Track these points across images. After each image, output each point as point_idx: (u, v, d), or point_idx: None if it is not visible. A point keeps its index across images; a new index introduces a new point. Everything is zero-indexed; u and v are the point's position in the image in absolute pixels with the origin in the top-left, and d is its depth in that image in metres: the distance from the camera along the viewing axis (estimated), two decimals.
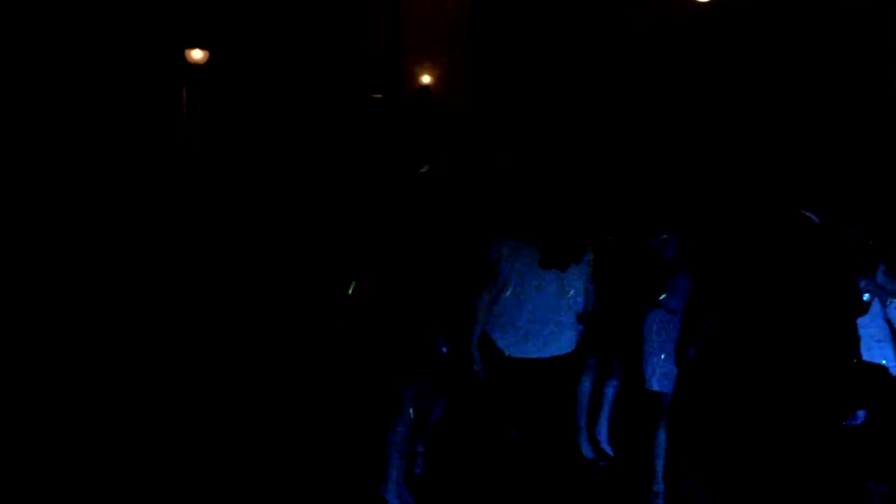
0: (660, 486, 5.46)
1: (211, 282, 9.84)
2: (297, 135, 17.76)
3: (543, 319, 4.90)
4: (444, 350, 5.13)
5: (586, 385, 6.28)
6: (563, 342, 4.95)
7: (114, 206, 12.75)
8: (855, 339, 4.29)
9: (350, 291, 4.13)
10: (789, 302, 4.27)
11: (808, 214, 4.39)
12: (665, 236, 5.43)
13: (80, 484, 5.16)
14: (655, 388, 5.41)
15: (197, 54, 18.36)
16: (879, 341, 5.19)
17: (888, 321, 5.24)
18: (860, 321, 4.36)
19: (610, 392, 6.36)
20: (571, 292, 4.94)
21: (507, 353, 4.93)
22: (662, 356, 5.37)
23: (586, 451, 6.36)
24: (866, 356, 4.55)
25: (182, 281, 10.02)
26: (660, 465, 5.44)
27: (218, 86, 18.43)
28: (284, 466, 5.69)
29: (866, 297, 4.96)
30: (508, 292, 4.91)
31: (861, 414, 4.40)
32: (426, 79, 18.83)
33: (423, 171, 5.32)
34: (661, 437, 5.43)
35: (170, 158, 16.98)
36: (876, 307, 5.19)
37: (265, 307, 8.56)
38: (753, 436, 4.24)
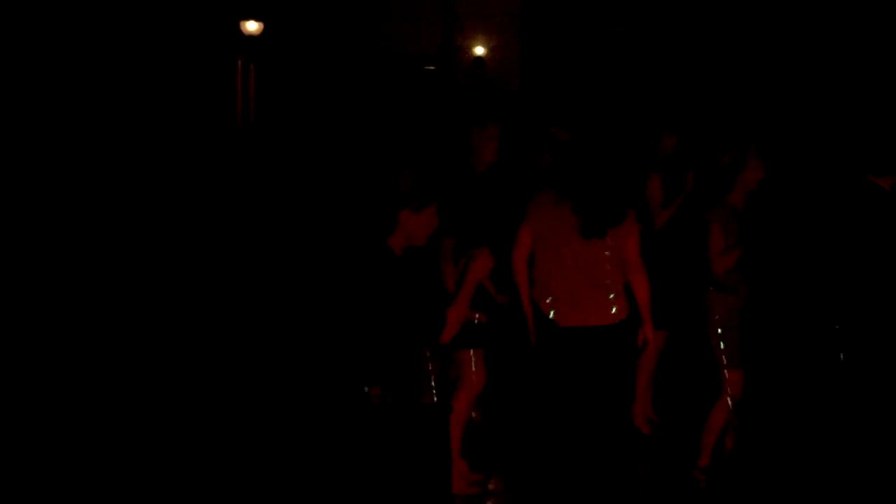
0: (705, 463, 5.45)
1: (272, 254, 9.92)
2: (351, 106, 17.80)
3: (587, 288, 4.93)
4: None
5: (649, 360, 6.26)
6: (608, 311, 4.96)
7: (170, 178, 12.89)
8: None
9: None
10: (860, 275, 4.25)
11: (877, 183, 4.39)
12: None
13: (80, 484, 5.13)
14: (717, 364, 5.39)
15: (252, 26, 18.43)
16: None
17: None
18: None
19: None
20: (613, 261, 4.94)
21: (555, 321, 4.96)
22: (724, 333, 5.35)
23: (640, 423, 6.36)
24: None
25: (244, 252, 10.10)
26: (709, 442, 5.43)
27: (273, 57, 18.49)
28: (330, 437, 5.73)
29: None
30: (552, 261, 4.94)
31: None
32: (479, 51, 18.72)
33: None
34: (714, 415, 5.41)
35: (225, 129, 17.12)
36: None
37: (326, 275, 8.61)
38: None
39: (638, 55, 16.96)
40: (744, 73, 15.15)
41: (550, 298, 4.94)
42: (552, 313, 4.95)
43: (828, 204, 4.66)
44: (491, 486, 5.52)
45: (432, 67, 18.69)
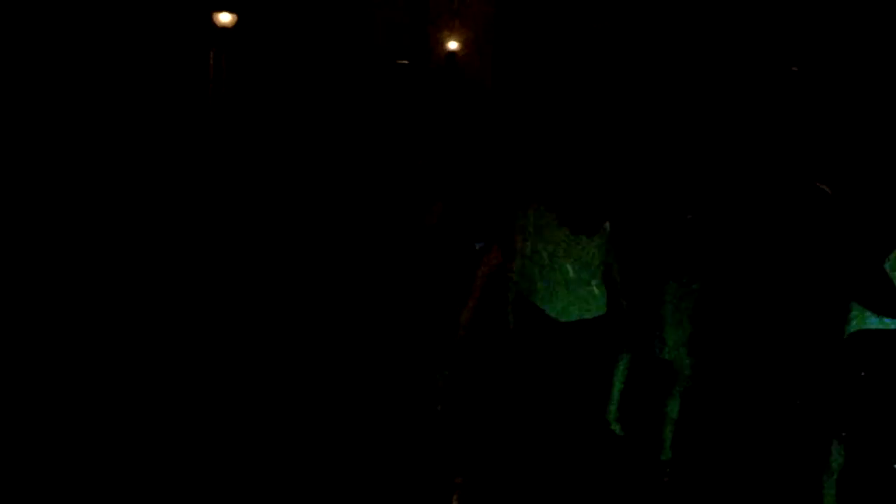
0: (668, 456, 5.54)
1: (246, 246, 9.93)
2: (324, 99, 17.80)
3: (578, 283, 5.13)
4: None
5: (623, 363, 6.33)
6: (598, 303, 5.19)
7: (142, 169, 12.85)
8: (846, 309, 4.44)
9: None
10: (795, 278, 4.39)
11: (822, 187, 4.54)
12: (684, 213, 5.50)
13: (80, 484, 5.07)
14: (668, 357, 5.49)
15: (225, 17, 18.38)
16: None
17: None
18: None
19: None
20: (597, 257, 5.16)
21: (553, 317, 5.12)
22: (677, 328, 5.46)
23: (616, 425, 6.40)
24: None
25: (217, 245, 10.10)
26: (669, 435, 5.52)
27: (246, 49, 18.46)
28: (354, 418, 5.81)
29: None
30: (545, 261, 5.10)
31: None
32: (453, 45, 18.78)
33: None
34: (672, 407, 5.51)
35: (197, 121, 17.07)
36: None
37: (302, 267, 8.67)
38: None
39: (611, 53, 17.08)
40: (711, 75, 15.36)
41: (542, 294, 5.12)
42: (552, 310, 5.14)
43: (775, 206, 4.87)
44: (473, 484, 5.56)
45: (405, 61, 18.73)
